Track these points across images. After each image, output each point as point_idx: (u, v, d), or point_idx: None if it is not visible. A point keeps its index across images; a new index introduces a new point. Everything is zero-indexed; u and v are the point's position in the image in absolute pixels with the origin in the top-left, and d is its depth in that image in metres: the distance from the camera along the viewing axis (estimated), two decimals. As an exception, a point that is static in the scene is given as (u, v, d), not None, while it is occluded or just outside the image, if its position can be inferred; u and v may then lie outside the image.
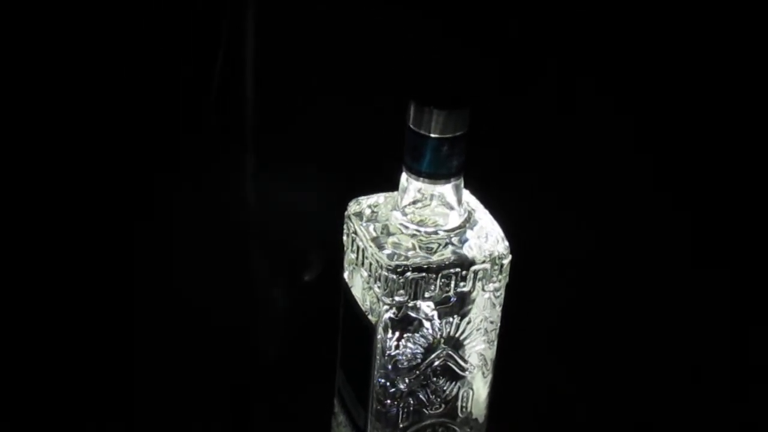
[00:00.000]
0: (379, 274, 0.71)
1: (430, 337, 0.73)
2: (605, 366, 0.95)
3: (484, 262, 0.72)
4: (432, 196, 0.72)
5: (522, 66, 0.95)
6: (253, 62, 0.92)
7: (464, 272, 0.72)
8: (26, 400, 0.88)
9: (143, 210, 0.95)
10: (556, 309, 0.96)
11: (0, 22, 0.88)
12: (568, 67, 0.95)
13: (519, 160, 0.96)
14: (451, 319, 0.73)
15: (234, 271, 0.98)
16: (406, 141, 0.71)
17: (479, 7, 0.91)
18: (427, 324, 0.73)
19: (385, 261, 0.71)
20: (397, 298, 0.71)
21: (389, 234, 0.73)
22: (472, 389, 0.76)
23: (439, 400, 0.76)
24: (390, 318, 0.72)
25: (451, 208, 0.73)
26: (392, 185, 0.75)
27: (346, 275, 0.77)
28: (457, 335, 0.74)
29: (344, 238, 0.76)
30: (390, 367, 0.74)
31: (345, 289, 0.77)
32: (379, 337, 0.73)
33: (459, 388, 0.76)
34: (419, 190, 0.72)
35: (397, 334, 0.73)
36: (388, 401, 0.75)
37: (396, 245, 0.72)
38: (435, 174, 0.71)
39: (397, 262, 0.71)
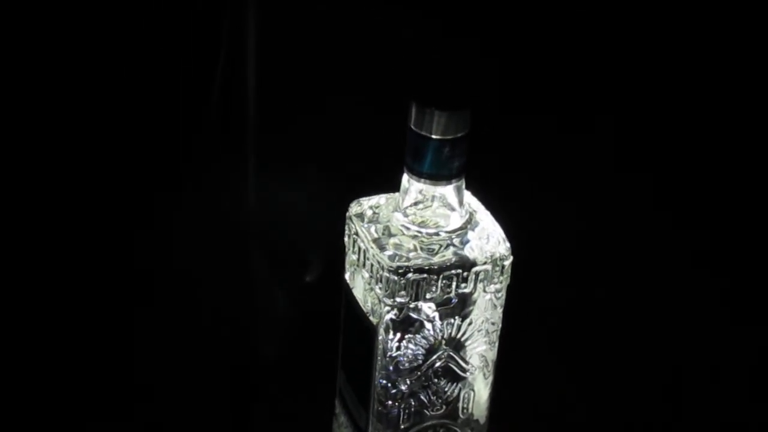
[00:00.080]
0: (381, 275, 0.71)
1: (431, 339, 0.73)
2: (605, 366, 0.95)
3: (485, 263, 0.72)
4: (433, 197, 0.72)
5: (523, 67, 0.95)
6: (254, 62, 0.92)
7: (465, 273, 0.72)
8: (26, 400, 0.88)
9: (143, 210, 0.95)
10: (556, 310, 0.96)
11: (0, 22, 0.88)
12: (569, 68, 0.95)
13: (520, 162, 0.96)
14: (452, 321, 0.73)
15: (235, 271, 0.97)
16: (407, 142, 0.71)
17: (480, 7, 0.91)
18: (428, 325, 0.73)
19: (386, 262, 0.71)
20: (398, 300, 0.71)
21: (390, 235, 0.73)
22: (473, 390, 0.76)
23: (440, 401, 0.76)
24: (391, 319, 0.72)
25: (453, 210, 0.73)
26: (394, 186, 0.75)
27: (347, 276, 0.77)
28: (458, 336, 0.74)
29: (345, 239, 0.76)
30: (391, 368, 0.74)
31: (346, 290, 0.77)
32: (380, 338, 0.73)
33: (460, 389, 0.76)
34: (420, 191, 0.72)
35: (398, 335, 0.73)
36: (390, 402, 0.75)
37: (397, 246, 0.72)
38: (436, 175, 0.71)
39: (398, 264, 0.71)
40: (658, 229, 0.99)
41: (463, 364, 0.75)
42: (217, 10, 0.91)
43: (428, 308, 0.72)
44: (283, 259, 0.99)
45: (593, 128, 0.96)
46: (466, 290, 0.73)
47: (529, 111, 0.96)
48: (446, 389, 0.75)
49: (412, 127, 0.70)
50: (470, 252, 0.72)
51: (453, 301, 0.73)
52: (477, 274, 0.72)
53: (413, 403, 0.75)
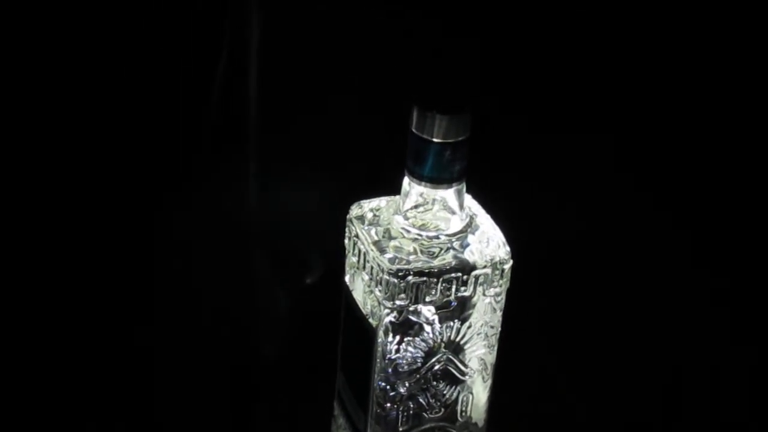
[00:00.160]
0: (381, 278, 0.71)
1: (430, 341, 0.73)
2: (605, 370, 0.95)
3: (485, 266, 0.72)
4: (434, 200, 0.72)
5: (524, 70, 0.95)
6: (256, 63, 0.92)
7: (465, 277, 0.72)
8: (27, 400, 0.88)
9: (143, 211, 0.95)
10: (556, 314, 0.96)
11: (0, 22, 0.88)
12: (570, 69, 0.95)
13: (521, 166, 0.96)
14: (451, 324, 0.73)
15: (235, 271, 0.98)
16: (408, 145, 0.71)
17: (482, 10, 0.91)
18: (427, 328, 0.73)
19: (386, 265, 0.71)
20: (398, 302, 0.71)
21: (391, 238, 0.73)
22: (471, 393, 0.76)
23: (439, 404, 0.76)
24: (391, 322, 0.72)
25: (453, 213, 0.73)
26: (394, 189, 0.75)
27: (347, 278, 0.77)
28: (457, 340, 0.74)
29: (346, 241, 0.76)
30: (390, 370, 0.74)
31: (346, 293, 0.77)
32: (379, 340, 0.73)
33: (459, 393, 0.76)
34: (421, 195, 0.72)
35: (397, 337, 0.73)
36: (388, 405, 0.75)
37: (397, 249, 0.72)
38: (437, 178, 0.71)
39: (398, 266, 0.71)
40: (658, 230, 0.99)
41: (462, 368, 0.75)
42: (218, 10, 0.91)
43: (428, 311, 0.72)
44: (283, 259, 0.99)
45: (593, 130, 0.96)
46: (466, 293, 0.73)
47: (530, 115, 0.96)
48: (445, 392, 0.76)
49: (414, 130, 0.70)
50: (470, 255, 0.72)
51: (452, 304, 0.73)
52: (477, 277, 0.72)
53: (412, 405, 0.75)
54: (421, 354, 0.74)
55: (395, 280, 0.71)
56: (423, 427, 0.76)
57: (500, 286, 0.74)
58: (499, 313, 0.75)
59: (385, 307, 0.72)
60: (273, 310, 0.99)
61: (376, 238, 0.73)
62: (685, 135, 0.97)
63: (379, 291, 0.72)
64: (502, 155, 0.92)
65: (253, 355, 0.96)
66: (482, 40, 0.92)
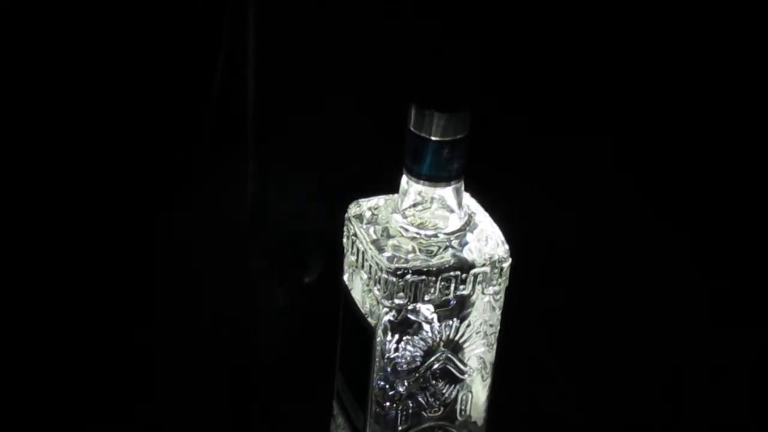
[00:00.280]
0: (379, 277, 0.71)
1: (429, 340, 0.73)
2: (605, 369, 0.95)
3: (484, 265, 0.72)
4: (432, 198, 0.72)
5: (523, 68, 0.95)
6: (254, 63, 0.92)
7: (464, 275, 0.72)
8: (27, 400, 0.88)
9: (143, 211, 0.95)
10: (555, 312, 0.96)
11: (0, 22, 0.88)
12: (569, 68, 0.95)
13: (519, 164, 0.96)
14: (450, 322, 0.73)
15: (234, 271, 0.98)
16: (406, 143, 0.71)
17: (481, 8, 0.91)
18: (426, 327, 0.73)
19: (384, 263, 0.71)
20: (396, 301, 0.71)
21: (389, 236, 0.73)
22: (471, 392, 0.76)
23: (438, 403, 0.76)
24: (389, 320, 0.72)
25: (452, 211, 0.73)
26: (392, 188, 0.75)
27: (345, 277, 0.77)
28: (456, 338, 0.74)
29: (344, 240, 0.76)
30: (389, 369, 0.74)
31: (345, 292, 0.77)
32: (378, 339, 0.73)
33: (458, 391, 0.76)
34: (419, 193, 0.72)
35: (396, 336, 0.73)
36: (387, 404, 0.75)
37: (396, 248, 0.72)
38: (435, 177, 0.71)
39: (396, 265, 0.71)
40: (658, 229, 0.99)
41: (462, 366, 0.75)
42: (217, 10, 0.92)
43: (426, 310, 0.72)
44: (282, 259, 0.99)
45: (592, 129, 0.96)
46: (465, 292, 0.73)
47: (529, 113, 0.96)
48: (444, 391, 0.75)
49: (412, 128, 0.70)
50: (469, 254, 0.72)
51: (451, 302, 0.73)
52: (475, 276, 0.72)
53: (411, 404, 0.75)
54: (420, 353, 0.74)
55: (394, 279, 0.71)
56: (422, 426, 0.76)
57: (499, 284, 0.74)
58: (498, 312, 0.75)
59: (384, 306, 0.72)
60: (272, 310, 0.99)
61: (374, 237, 0.73)
62: (684, 135, 0.97)
63: (378, 290, 0.72)
64: (501, 153, 0.92)
65: (253, 355, 0.96)
66: (482, 39, 0.92)
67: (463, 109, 0.70)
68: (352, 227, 0.75)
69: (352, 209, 0.76)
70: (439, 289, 0.72)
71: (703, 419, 0.93)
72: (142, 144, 0.94)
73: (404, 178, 0.73)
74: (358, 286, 0.75)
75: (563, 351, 0.96)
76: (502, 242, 0.73)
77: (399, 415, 0.75)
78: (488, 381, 0.77)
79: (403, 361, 0.73)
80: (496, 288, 0.74)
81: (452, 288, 0.72)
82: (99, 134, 0.93)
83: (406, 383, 0.74)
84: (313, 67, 0.92)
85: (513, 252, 0.73)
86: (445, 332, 0.73)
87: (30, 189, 0.93)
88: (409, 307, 0.72)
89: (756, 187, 0.97)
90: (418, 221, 0.73)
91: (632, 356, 0.96)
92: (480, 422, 0.78)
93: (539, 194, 0.97)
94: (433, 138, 0.70)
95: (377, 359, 0.74)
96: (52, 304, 0.94)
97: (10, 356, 0.91)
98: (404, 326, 0.72)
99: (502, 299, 0.75)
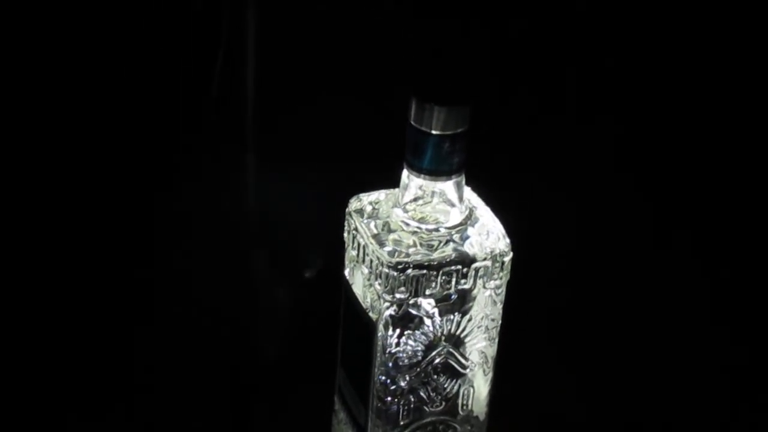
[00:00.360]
0: (380, 271, 0.71)
1: (430, 335, 0.73)
2: (605, 364, 0.95)
3: (485, 259, 0.72)
4: (433, 193, 0.72)
5: (523, 63, 0.95)
6: (253, 61, 0.92)
7: (465, 269, 0.72)
8: (27, 400, 0.88)
9: (143, 210, 0.95)
10: (556, 307, 0.96)
11: (0, 22, 0.88)
12: (570, 65, 0.96)
13: (520, 158, 0.96)
14: (451, 317, 0.73)
15: (234, 269, 0.98)
16: (407, 138, 0.71)
17: (481, 3, 0.92)
18: (427, 321, 0.73)
19: (385, 258, 0.71)
20: (397, 296, 0.71)
21: (390, 231, 0.73)
22: (472, 387, 0.76)
23: (439, 397, 0.76)
24: (391, 315, 0.72)
25: (453, 205, 0.73)
26: (393, 182, 0.74)
27: (346, 272, 0.77)
28: (457, 333, 0.74)
29: (345, 235, 0.76)
30: (390, 364, 0.73)
31: (346, 287, 0.77)
32: (379, 334, 0.73)
33: (460, 386, 0.76)
34: (420, 187, 0.72)
35: (397, 331, 0.72)
36: (389, 399, 0.75)
37: (397, 242, 0.72)
38: (436, 171, 0.71)
39: (397, 259, 0.70)
40: (659, 227, 0.99)
41: (463, 361, 0.75)
42: (216, 10, 0.92)
43: (428, 304, 0.72)
44: (282, 257, 0.99)
45: (594, 125, 0.97)
46: (466, 286, 0.72)
47: (530, 107, 0.96)
48: (446, 386, 0.75)
49: (412, 122, 0.70)
50: (470, 248, 0.72)
51: (453, 297, 0.72)
52: (477, 270, 0.72)
53: (412, 399, 0.75)
54: (421, 347, 0.73)
55: (395, 273, 0.70)
56: (424, 421, 0.76)
57: (500, 278, 0.74)
58: (500, 306, 0.75)
59: (385, 301, 0.72)
60: (272, 307, 0.99)
61: (375, 232, 0.73)
62: (685, 129, 0.97)
63: (379, 284, 0.72)
64: (502, 147, 0.92)
65: (253, 355, 0.96)
66: (482, 32, 0.92)
67: (464, 102, 0.70)
68: (352, 222, 0.75)
69: (353, 204, 0.76)
70: (441, 283, 0.71)
71: (703, 419, 0.92)
72: (142, 143, 0.94)
73: (405, 173, 0.73)
74: (359, 280, 0.75)
75: (565, 345, 0.96)
76: (504, 236, 0.73)
77: (400, 410, 0.75)
78: (490, 375, 0.77)
79: (405, 355, 0.73)
80: (498, 282, 0.74)
81: (453, 282, 0.72)
82: (99, 134, 0.93)
83: (407, 378, 0.74)
84: (311, 61, 0.92)
85: (514, 246, 0.73)
86: (447, 327, 0.73)
87: (30, 188, 0.93)
88: (411, 302, 0.72)
89: (757, 187, 0.98)
90: (419, 215, 0.73)
91: (633, 352, 0.96)
92: (482, 417, 0.78)
93: (540, 188, 0.97)
94: (433, 132, 0.70)
95: (378, 354, 0.73)
96: (52, 303, 0.94)
97: (10, 356, 0.91)
98: (405, 321, 0.72)
99: (504, 293, 0.75)
